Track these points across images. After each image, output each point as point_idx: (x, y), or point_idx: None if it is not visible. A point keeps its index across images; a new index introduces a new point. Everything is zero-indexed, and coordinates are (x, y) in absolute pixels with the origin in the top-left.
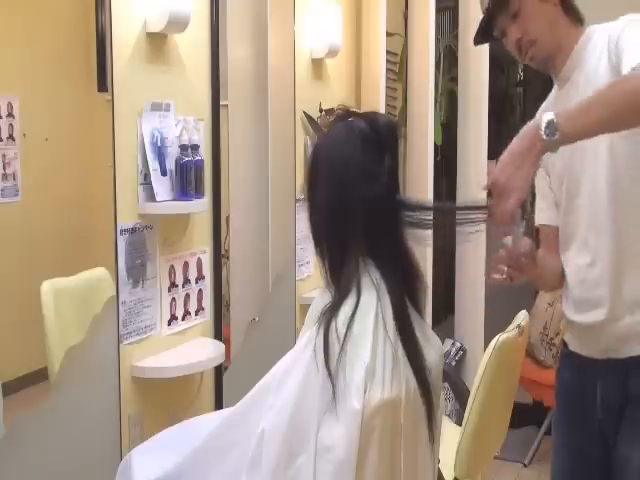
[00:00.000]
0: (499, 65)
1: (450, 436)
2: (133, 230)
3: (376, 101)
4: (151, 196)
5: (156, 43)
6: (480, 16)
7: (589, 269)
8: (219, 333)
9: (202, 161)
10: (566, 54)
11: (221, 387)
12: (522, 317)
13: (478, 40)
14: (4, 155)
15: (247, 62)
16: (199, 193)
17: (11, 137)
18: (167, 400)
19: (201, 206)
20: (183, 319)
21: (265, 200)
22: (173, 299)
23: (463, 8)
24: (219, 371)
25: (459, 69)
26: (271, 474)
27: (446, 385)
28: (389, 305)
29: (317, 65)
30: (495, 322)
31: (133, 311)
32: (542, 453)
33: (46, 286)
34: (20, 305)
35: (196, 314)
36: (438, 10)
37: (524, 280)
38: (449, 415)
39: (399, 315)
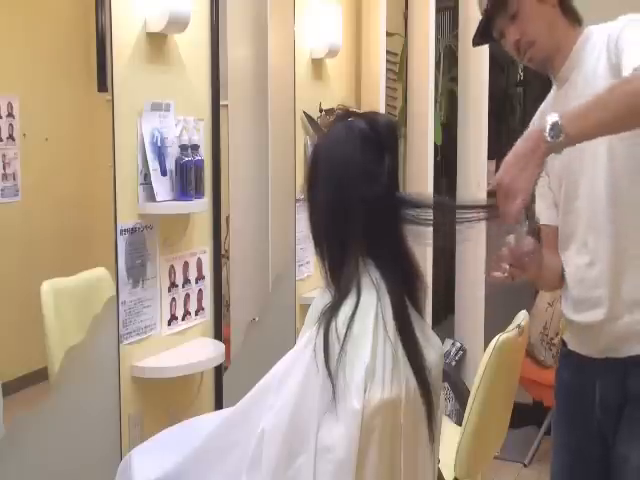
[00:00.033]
0: (499, 65)
1: (450, 436)
2: (133, 230)
3: (376, 101)
4: (151, 196)
5: (156, 43)
6: (479, 17)
7: (588, 269)
8: (219, 333)
9: (202, 161)
10: (565, 55)
11: (221, 387)
12: (522, 317)
13: (477, 41)
14: (4, 155)
15: (247, 62)
16: (199, 193)
17: (11, 137)
18: (167, 400)
19: (201, 206)
20: (183, 319)
21: (265, 200)
22: (173, 299)
23: (463, 8)
24: (219, 371)
25: (459, 69)
26: (271, 474)
27: (446, 385)
28: (389, 305)
29: (317, 65)
30: (495, 322)
31: (133, 311)
32: (542, 453)
33: (46, 286)
34: (20, 305)
35: (196, 314)
36: (438, 10)
37: (525, 279)
38: (449, 415)
39: (399, 315)
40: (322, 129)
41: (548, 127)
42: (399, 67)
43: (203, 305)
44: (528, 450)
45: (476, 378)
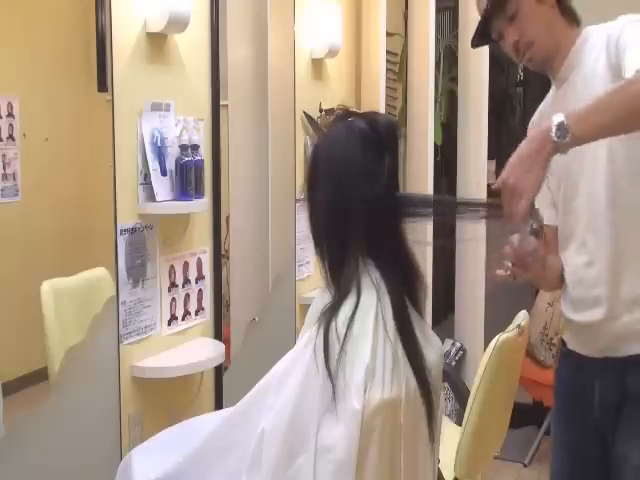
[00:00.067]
0: (499, 65)
1: (450, 436)
2: (133, 230)
3: (376, 101)
4: (151, 196)
5: (156, 43)
6: (479, 17)
7: (587, 269)
8: (219, 333)
9: (202, 161)
10: (563, 55)
11: (221, 387)
12: (522, 317)
13: (476, 42)
14: (4, 155)
15: (247, 62)
16: (199, 193)
17: (11, 137)
18: (167, 400)
19: (201, 206)
20: (183, 319)
21: (265, 200)
22: (173, 299)
23: (463, 8)
24: (219, 371)
25: (459, 69)
26: (271, 474)
27: (446, 385)
28: (389, 305)
29: (317, 65)
30: (495, 322)
31: (133, 311)
32: (542, 453)
33: (46, 286)
34: (20, 305)
35: (196, 314)
36: (438, 10)
37: (525, 278)
38: (449, 415)
39: (399, 315)
40: (322, 129)
41: (554, 127)
42: (399, 67)
43: (203, 305)
44: (528, 450)
45: (476, 378)
